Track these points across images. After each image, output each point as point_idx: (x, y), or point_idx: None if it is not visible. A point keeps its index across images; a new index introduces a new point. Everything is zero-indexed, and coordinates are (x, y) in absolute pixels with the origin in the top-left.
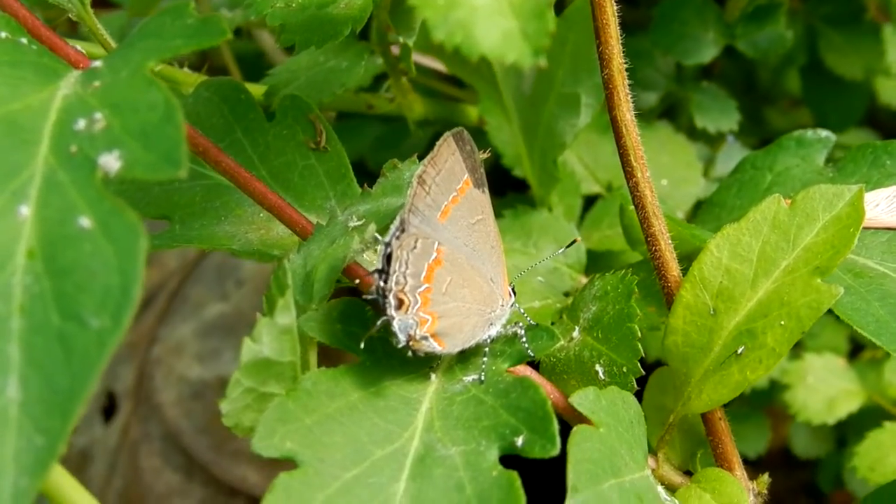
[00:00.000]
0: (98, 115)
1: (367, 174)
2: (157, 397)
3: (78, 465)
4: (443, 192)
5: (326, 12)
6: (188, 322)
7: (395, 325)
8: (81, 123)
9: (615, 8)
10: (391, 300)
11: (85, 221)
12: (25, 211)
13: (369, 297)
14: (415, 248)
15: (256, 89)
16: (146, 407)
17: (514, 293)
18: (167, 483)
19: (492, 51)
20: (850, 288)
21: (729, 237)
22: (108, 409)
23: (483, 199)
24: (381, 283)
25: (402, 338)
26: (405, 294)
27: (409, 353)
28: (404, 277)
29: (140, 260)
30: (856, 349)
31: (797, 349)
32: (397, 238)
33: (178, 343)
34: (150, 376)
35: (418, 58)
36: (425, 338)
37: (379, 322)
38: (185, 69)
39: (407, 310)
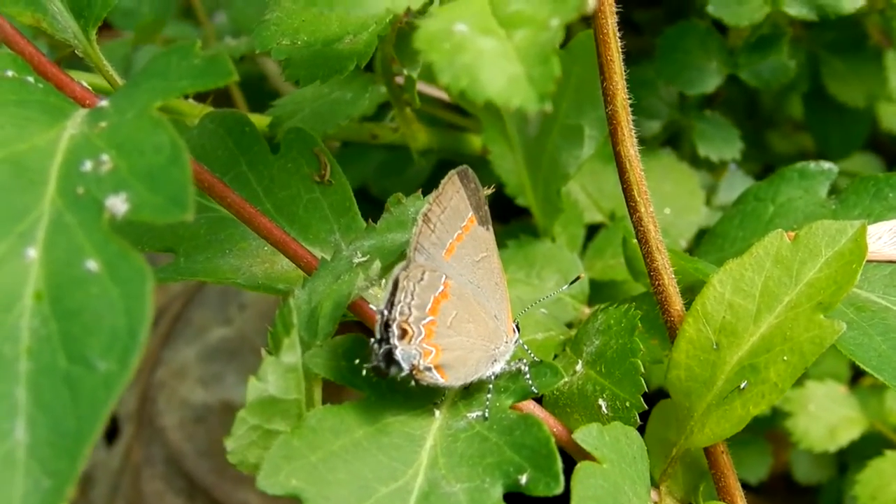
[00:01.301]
0: (105, 157)
1: (370, 201)
2: (160, 421)
3: (80, 488)
4: (448, 230)
5: (332, 49)
6: (191, 346)
7: (398, 355)
8: (88, 165)
9: (619, 44)
10: (395, 329)
11: (92, 264)
12: (32, 253)
13: (373, 340)
14: (421, 279)
15: (261, 120)
16: (149, 430)
17: (519, 330)
18: None
19: (497, 95)
20: (853, 322)
21: (732, 272)
22: (111, 432)
23: (487, 236)
24: (386, 313)
25: (405, 366)
26: (409, 325)
27: (412, 383)
28: (409, 308)
29: (147, 303)
30: (857, 374)
31: (799, 377)
32: (404, 270)
33: (181, 367)
34: (152, 400)
35: (422, 87)
36: (429, 368)
37: (381, 350)
38: (191, 100)
39: (410, 340)
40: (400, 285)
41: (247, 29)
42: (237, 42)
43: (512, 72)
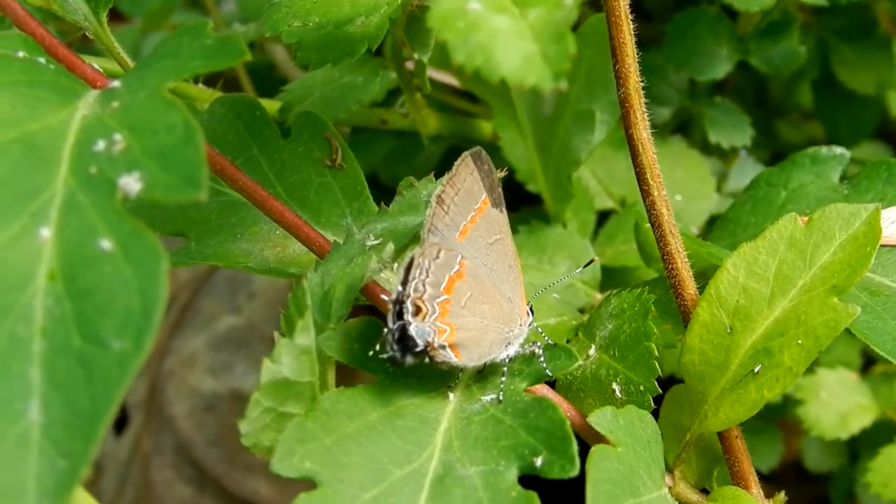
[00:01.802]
0: (117, 137)
1: (380, 187)
2: (169, 409)
3: (89, 476)
4: (461, 211)
5: (343, 31)
6: (200, 334)
7: (412, 331)
8: (101, 144)
9: (632, 27)
10: (409, 306)
11: (105, 243)
12: (46, 233)
13: (386, 331)
14: (437, 258)
15: (271, 105)
16: (158, 419)
17: (532, 312)
18: (179, 495)
19: (512, 74)
20: (867, 306)
21: (745, 256)
22: (120, 421)
23: (501, 218)
24: (400, 289)
25: (419, 342)
26: (423, 302)
27: (427, 360)
28: (423, 285)
29: (161, 282)
30: (868, 362)
31: (810, 364)
32: (420, 247)
33: (190, 355)
34: (161, 389)
35: (432, 73)
36: (443, 347)
37: (395, 325)
38: (200, 85)
39: (424, 317)
40: (415, 262)
41: (255, 16)
42: (245, 28)
43: (527, 50)
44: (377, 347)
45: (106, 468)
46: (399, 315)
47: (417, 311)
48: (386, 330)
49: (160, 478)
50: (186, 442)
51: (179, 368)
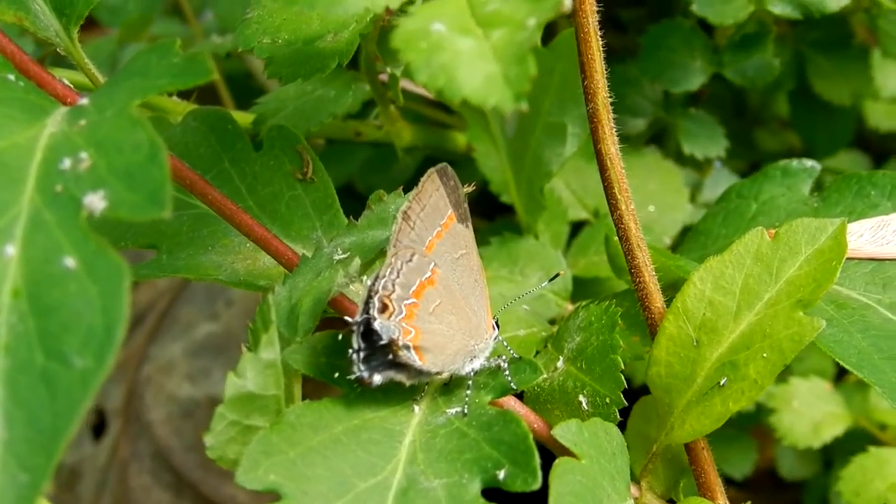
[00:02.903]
0: (83, 155)
1: (356, 197)
2: (147, 416)
3: (67, 482)
4: (427, 227)
5: (313, 47)
6: (178, 341)
7: (377, 326)
8: (67, 163)
9: (600, 42)
10: (375, 301)
11: (70, 261)
12: (11, 250)
13: (352, 351)
14: (410, 260)
15: (244, 118)
16: (136, 425)
17: (498, 326)
18: (157, 501)
19: (474, 95)
20: (833, 319)
21: (712, 269)
22: (98, 427)
23: (467, 234)
24: (369, 283)
25: (384, 337)
26: (390, 300)
27: (390, 357)
28: (392, 285)
29: (124, 300)
30: (842, 371)
31: (783, 373)
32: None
33: (168, 362)
34: (139, 395)
35: (406, 84)
36: (407, 347)
37: (360, 318)
38: (175, 97)
39: (389, 316)
40: (387, 261)
41: (233, 27)
42: (223, 39)
43: (488, 71)
44: (344, 368)
45: (84, 474)
46: (366, 309)
47: (384, 308)
48: (351, 350)
49: (138, 483)
50: (164, 448)
51: (157, 375)
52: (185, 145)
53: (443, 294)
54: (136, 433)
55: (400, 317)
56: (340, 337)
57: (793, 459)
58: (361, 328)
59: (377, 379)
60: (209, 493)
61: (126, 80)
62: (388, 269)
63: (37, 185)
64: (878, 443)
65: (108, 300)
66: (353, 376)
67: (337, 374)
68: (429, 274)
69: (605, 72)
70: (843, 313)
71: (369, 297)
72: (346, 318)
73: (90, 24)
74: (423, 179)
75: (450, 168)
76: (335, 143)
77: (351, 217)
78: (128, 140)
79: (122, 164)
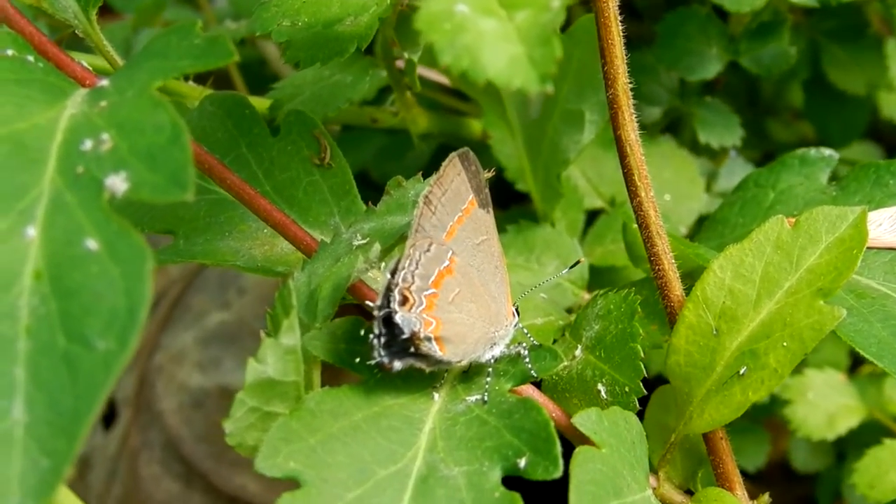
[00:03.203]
0: (105, 136)
1: (370, 185)
2: (158, 405)
3: (78, 471)
4: (448, 212)
5: (332, 31)
6: (190, 330)
7: (398, 319)
8: (88, 144)
9: (620, 28)
10: (396, 295)
11: (91, 243)
12: (32, 232)
13: (373, 336)
14: (428, 250)
15: (261, 103)
16: (146, 415)
17: (518, 313)
18: (167, 491)
19: (498, 76)
20: (853, 309)
21: (732, 257)
22: (109, 416)
23: (488, 219)
24: (388, 277)
25: (405, 330)
26: (410, 292)
27: (412, 349)
28: (412, 276)
29: (147, 282)
30: (856, 363)
31: (798, 364)
32: (412, 239)
33: (179, 351)
34: (150, 384)
35: (422, 71)
36: (428, 338)
37: (380, 313)
38: (191, 82)
39: (410, 308)
40: (406, 253)
41: (246, 12)
42: (237, 25)
43: (513, 52)
44: (364, 354)
45: (94, 463)
46: (386, 303)
47: (404, 300)
48: (371, 336)
49: (148, 473)
50: (174, 438)
51: (168, 364)
52: (202, 130)
53: (461, 282)
54: (147, 423)
55: (420, 308)
56: (363, 331)
57: (806, 452)
58: (382, 313)
59: (398, 364)
60: (219, 484)
61: (146, 62)
62: (408, 261)
63: (58, 167)
64: (892, 435)
65: (131, 282)
66: (373, 361)
67: (357, 360)
68: (447, 263)
69: (625, 57)
70: (862, 302)
71: (389, 289)
72: (368, 302)
73: (104, 10)
74: (444, 164)
75: (471, 153)
76: (350, 131)
77: (370, 203)
78: (149, 121)
79: (143, 145)
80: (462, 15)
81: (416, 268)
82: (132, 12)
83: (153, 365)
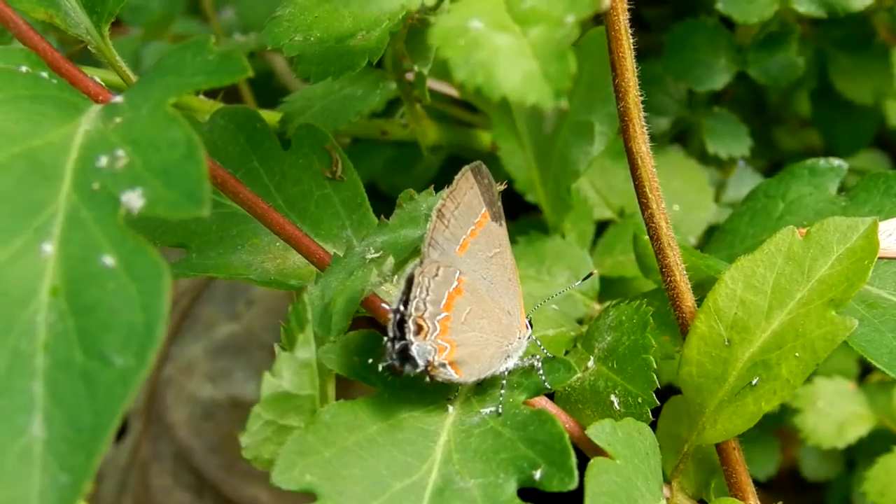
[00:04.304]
0: (120, 153)
1: (379, 196)
2: (168, 416)
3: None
4: (461, 225)
5: (344, 45)
6: (199, 341)
7: (414, 350)
8: (103, 160)
9: (631, 41)
10: (410, 325)
11: (108, 259)
12: (49, 248)
13: (387, 339)
14: (436, 275)
15: (271, 116)
16: (157, 426)
17: (531, 325)
18: (178, 502)
19: (513, 92)
20: (864, 319)
21: (743, 269)
22: (119, 428)
23: (500, 231)
24: (402, 308)
25: (420, 363)
26: (424, 320)
27: (427, 380)
28: (424, 304)
29: (164, 298)
30: (865, 371)
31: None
32: (419, 266)
33: (189, 362)
34: (160, 395)
35: (432, 83)
36: (443, 365)
37: (397, 346)
38: (201, 96)
39: (425, 336)
40: (415, 281)
41: (255, 25)
42: (246, 38)
43: (528, 68)
44: (378, 358)
45: (105, 475)
46: (401, 335)
47: (419, 329)
48: (385, 339)
49: (159, 484)
50: (185, 449)
51: (178, 375)
52: (214, 144)
53: (471, 301)
54: (157, 434)
55: (435, 334)
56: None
57: (816, 460)
58: (398, 317)
59: (408, 367)
60: (230, 495)
61: (160, 78)
62: (418, 289)
63: (73, 183)
64: None
65: (148, 298)
66: (384, 363)
67: (370, 373)
68: (455, 284)
69: (635, 69)
70: (874, 313)
71: (404, 322)
72: (384, 304)
73: (112, 24)
74: (457, 177)
75: (484, 166)
76: (359, 143)
77: (381, 216)
78: (164, 137)
79: (159, 161)
80: (477, 31)
81: (427, 294)
82: (140, 25)
83: (163, 376)
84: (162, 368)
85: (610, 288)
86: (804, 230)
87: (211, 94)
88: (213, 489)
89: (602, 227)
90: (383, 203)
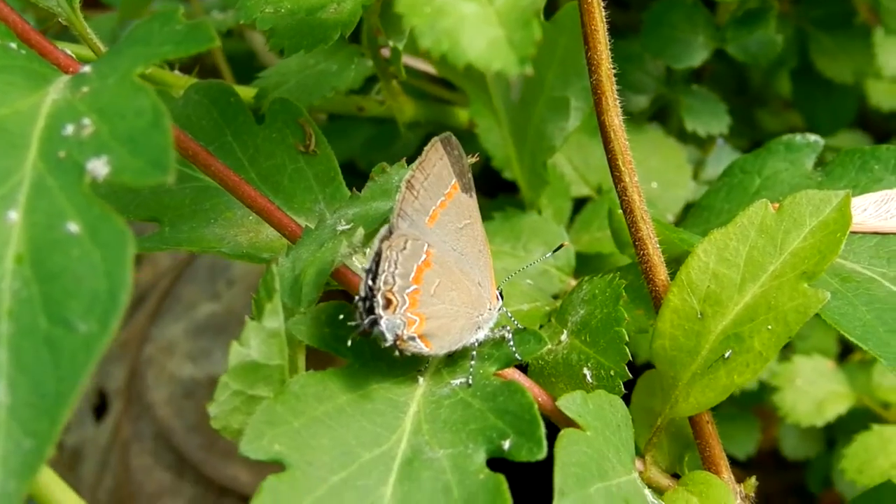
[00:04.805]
0: (86, 121)
1: (357, 175)
2: (149, 396)
3: (69, 463)
4: (431, 196)
5: (316, 17)
6: (180, 321)
7: (383, 325)
8: (70, 129)
9: (604, 13)
10: (379, 299)
11: (73, 227)
12: (14, 216)
13: (357, 298)
14: (404, 248)
15: (246, 92)
16: (137, 406)
17: (502, 297)
18: (158, 482)
19: (478, 59)
20: (837, 292)
21: (716, 242)
22: (100, 407)
23: (471, 203)
24: (370, 283)
25: (389, 337)
26: (393, 294)
27: (396, 353)
28: (393, 278)
29: (127, 265)
30: (845, 351)
31: (786, 351)
32: (387, 239)
33: (169, 342)
34: (141, 375)
35: (408, 60)
36: (412, 338)
37: (366, 321)
38: (176, 71)
39: (395, 310)
40: (384, 255)
41: (234, 4)
42: (224, 16)
43: (493, 35)
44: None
45: (85, 455)
46: (370, 310)
47: (388, 303)
48: (357, 298)
49: (139, 464)
50: (166, 428)
51: (159, 355)
52: (187, 118)
53: (440, 273)
54: (138, 414)
55: (404, 307)
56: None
57: (796, 439)
58: (367, 320)
59: (376, 329)
60: (211, 474)
61: (129, 48)
62: (387, 263)
63: (39, 152)
64: (881, 421)
65: (112, 265)
66: (353, 323)
67: (341, 344)
68: (424, 256)
69: (608, 42)
70: (847, 286)
71: (372, 296)
72: (360, 265)
73: (92, 3)
74: (426, 148)
75: (453, 137)
76: (337, 120)
77: (354, 189)
78: (130, 106)
79: (124, 129)
80: None
81: (396, 268)
82: (118, 5)
83: (144, 356)
84: (142, 348)
85: (587, 264)
86: (777, 204)
87: (187, 70)
88: (193, 469)
89: (580, 204)
90: (362, 181)
